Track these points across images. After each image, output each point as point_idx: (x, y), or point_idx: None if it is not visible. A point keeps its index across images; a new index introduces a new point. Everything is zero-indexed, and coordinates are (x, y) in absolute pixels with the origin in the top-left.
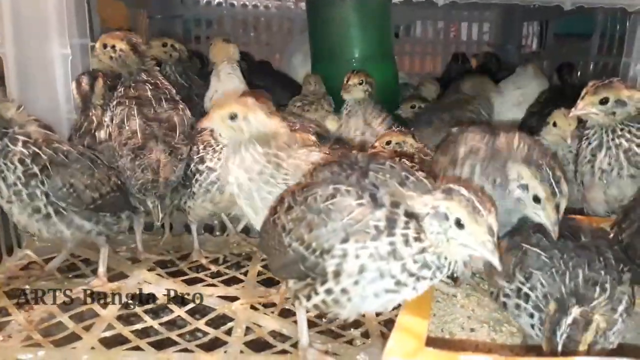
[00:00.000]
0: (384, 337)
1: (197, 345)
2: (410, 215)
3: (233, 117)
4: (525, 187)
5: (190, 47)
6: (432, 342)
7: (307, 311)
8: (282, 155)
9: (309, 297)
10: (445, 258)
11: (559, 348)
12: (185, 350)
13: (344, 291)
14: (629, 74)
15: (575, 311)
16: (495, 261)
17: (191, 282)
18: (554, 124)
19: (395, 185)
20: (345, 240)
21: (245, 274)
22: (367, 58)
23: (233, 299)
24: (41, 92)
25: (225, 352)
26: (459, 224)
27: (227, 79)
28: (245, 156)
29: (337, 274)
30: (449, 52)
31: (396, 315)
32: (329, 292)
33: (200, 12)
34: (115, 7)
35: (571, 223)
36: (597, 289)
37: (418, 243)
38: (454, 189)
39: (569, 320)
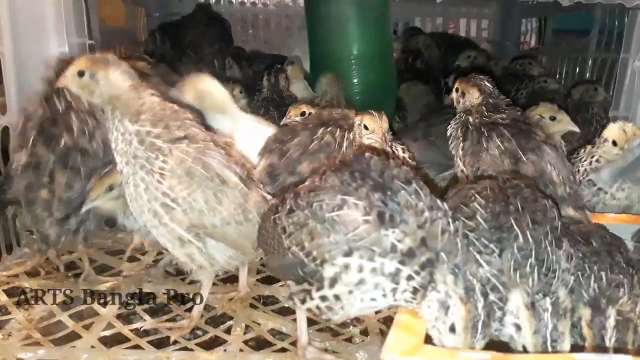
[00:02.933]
0: (383, 334)
1: (196, 344)
2: (426, 266)
3: (81, 73)
4: None
5: None
6: (431, 339)
7: None
8: (159, 133)
9: (303, 301)
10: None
11: (611, 351)
12: (185, 348)
13: (337, 297)
14: (628, 71)
15: (613, 312)
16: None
17: (191, 280)
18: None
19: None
20: (348, 254)
21: None
22: (366, 55)
23: (232, 297)
24: (39, 91)
25: (224, 350)
26: (452, 328)
27: None
28: (117, 136)
29: (333, 282)
30: None
31: (395, 313)
32: (323, 298)
33: None
34: (113, 5)
35: (581, 228)
36: (621, 289)
37: (410, 293)
38: (476, 295)
39: (611, 321)
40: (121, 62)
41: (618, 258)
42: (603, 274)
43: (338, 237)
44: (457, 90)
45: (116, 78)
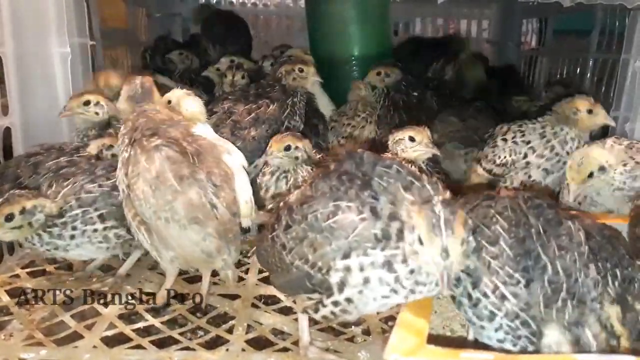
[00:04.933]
0: (385, 334)
1: (198, 344)
2: (402, 231)
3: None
4: None
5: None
6: (434, 339)
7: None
8: (131, 133)
9: (316, 310)
10: (428, 275)
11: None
12: (187, 348)
13: (348, 300)
14: (628, 71)
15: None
16: (442, 284)
17: (191, 280)
18: None
19: (399, 190)
20: (346, 256)
21: (246, 272)
22: (366, 56)
23: (234, 297)
24: (41, 92)
25: (227, 350)
26: (419, 240)
27: None
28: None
29: (341, 286)
30: None
31: (397, 312)
32: (336, 304)
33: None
34: (114, 5)
35: (582, 224)
36: (635, 285)
37: (405, 265)
38: (433, 203)
39: None
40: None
41: (622, 251)
42: (617, 270)
43: (340, 243)
44: None
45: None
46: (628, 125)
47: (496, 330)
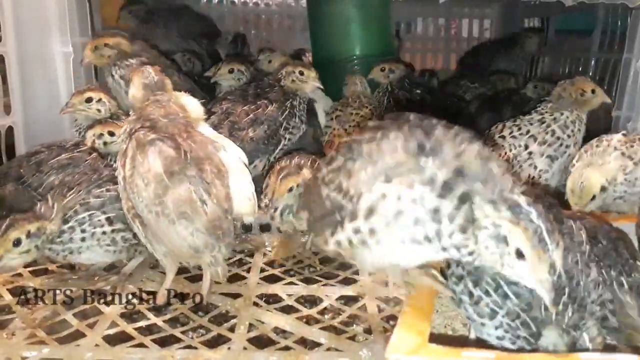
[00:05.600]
0: (387, 333)
1: (200, 342)
2: (464, 199)
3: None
4: None
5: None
6: (435, 338)
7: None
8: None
9: (333, 233)
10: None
11: None
12: (189, 347)
13: (372, 231)
14: (630, 71)
15: None
16: (549, 300)
17: (192, 279)
18: None
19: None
20: (387, 181)
21: (248, 270)
22: (368, 56)
23: (235, 295)
24: (43, 91)
25: (228, 348)
26: (519, 254)
27: None
28: None
29: (369, 213)
30: (450, 49)
31: (399, 311)
32: (356, 230)
33: (201, 11)
34: (116, 5)
35: (585, 223)
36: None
37: (459, 234)
38: (524, 209)
39: None
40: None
41: (626, 256)
42: (623, 279)
43: (377, 168)
44: None
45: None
46: (630, 125)
47: (496, 327)
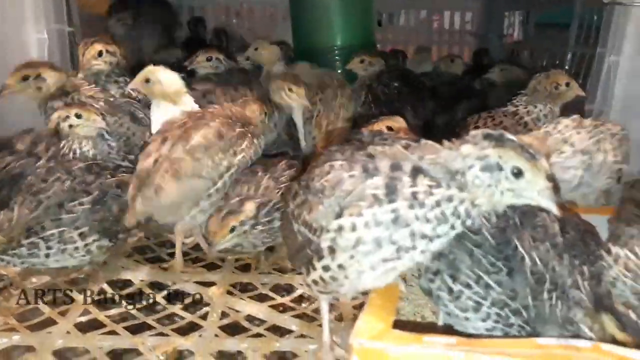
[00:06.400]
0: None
1: (172, 330)
2: (417, 171)
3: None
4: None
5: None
6: (403, 325)
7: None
8: None
9: (308, 272)
10: (475, 205)
11: None
12: (161, 334)
13: (340, 267)
14: (604, 65)
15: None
16: (554, 208)
17: (166, 268)
18: None
19: (399, 149)
20: (339, 215)
21: (223, 260)
22: (349, 46)
23: (210, 284)
24: None
25: (200, 336)
26: (517, 173)
27: None
28: None
29: (332, 250)
30: (431, 41)
31: None
32: (325, 268)
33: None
34: None
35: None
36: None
37: (431, 197)
38: (496, 135)
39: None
40: None
41: (593, 247)
42: (586, 268)
43: (330, 201)
44: None
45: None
46: (603, 118)
47: (483, 320)
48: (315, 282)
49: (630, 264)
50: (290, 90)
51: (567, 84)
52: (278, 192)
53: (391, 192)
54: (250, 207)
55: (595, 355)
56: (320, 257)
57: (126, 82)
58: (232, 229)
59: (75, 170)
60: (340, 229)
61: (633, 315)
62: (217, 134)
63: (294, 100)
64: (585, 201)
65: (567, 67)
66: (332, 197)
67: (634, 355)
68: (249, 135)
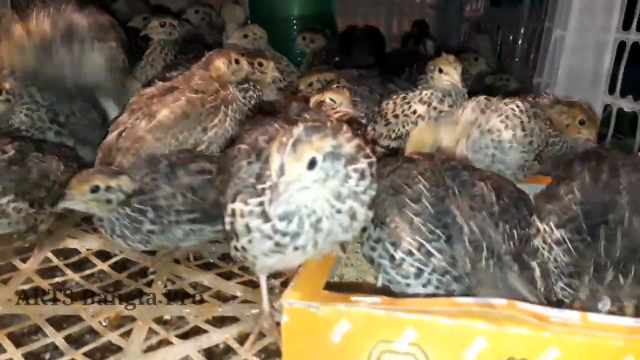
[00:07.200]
0: None
1: (116, 296)
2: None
3: None
4: None
5: None
6: (336, 287)
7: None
8: None
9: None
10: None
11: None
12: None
13: (244, 249)
14: (551, 39)
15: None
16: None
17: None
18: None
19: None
20: (233, 200)
21: None
22: (306, 16)
23: (155, 253)
24: None
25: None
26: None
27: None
28: None
29: (235, 233)
30: (391, 13)
31: None
32: (235, 248)
33: None
34: None
35: (493, 184)
36: (530, 244)
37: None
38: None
39: (537, 273)
40: None
41: (525, 213)
42: (515, 231)
43: (232, 184)
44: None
45: None
46: (549, 91)
47: (424, 285)
48: (235, 257)
49: (546, 237)
50: (260, 64)
51: (440, 70)
52: None
53: (260, 182)
54: (125, 181)
55: (509, 311)
56: (230, 237)
57: None
58: (95, 189)
59: None
60: (233, 213)
61: (537, 273)
62: (182, 114)
63: (266, 73)
64: None
65: (520, 42)
66: (233, 183)
67: (547, 312)
68: (222, 107)
